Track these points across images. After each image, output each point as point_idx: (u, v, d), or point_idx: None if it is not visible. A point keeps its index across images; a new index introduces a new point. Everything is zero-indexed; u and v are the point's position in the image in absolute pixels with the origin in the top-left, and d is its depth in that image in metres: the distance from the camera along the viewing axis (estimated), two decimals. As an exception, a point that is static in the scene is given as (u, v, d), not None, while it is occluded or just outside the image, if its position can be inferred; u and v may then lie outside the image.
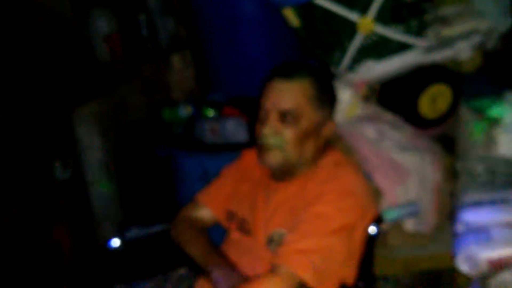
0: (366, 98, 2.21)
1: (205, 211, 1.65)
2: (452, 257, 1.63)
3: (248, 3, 2.38)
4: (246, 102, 2.26)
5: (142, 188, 2.74)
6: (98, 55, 2.99)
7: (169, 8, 3.03)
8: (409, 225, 2.00)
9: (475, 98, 2.05)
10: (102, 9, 2.98)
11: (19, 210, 2.26)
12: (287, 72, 1.43)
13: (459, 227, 1.64)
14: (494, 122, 1.88)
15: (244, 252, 1.47)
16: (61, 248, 2.39)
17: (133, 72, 2.97)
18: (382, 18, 2.08)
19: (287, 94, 1.41)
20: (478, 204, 1.66)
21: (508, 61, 2.15)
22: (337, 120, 1.54)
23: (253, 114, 1.53)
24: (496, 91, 1.99)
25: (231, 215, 1.56)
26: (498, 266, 1.53)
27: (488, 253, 1.52)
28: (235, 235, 1.53)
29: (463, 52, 2.17)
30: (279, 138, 1.40)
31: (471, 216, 1.62)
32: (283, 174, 1.46)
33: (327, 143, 1.49)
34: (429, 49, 2.16)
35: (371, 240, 1.42)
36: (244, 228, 1.50)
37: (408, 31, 2.12)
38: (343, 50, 2.14)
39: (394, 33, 2.10)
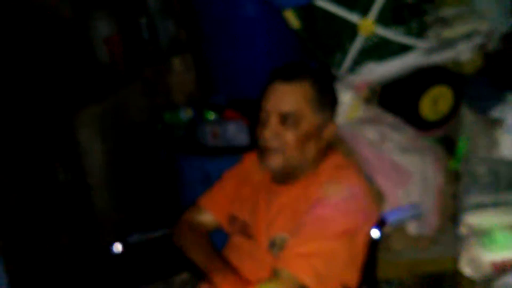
0: (367, 100, 2.20)
1: (207, 215, 1.64)
2: (455, 260, 1.63)
3: (248, 5, 2.38)
4: (247, 105, 2.26)
5: (144, 192, 2.74)
6: (99, 57, 2.99)
7: (169, 11, 3.03)
8: (412, 228, 2.00)
9: (477, 99, 2.04)
10: (102, 12, 2.97)
11: (20, 213, 2.26)
12: (288, 75, 1.42)
13: (462, 230, 1.64)
14: (496, 124, 1.87)
15: (246, 256, 1.47)
16: (62, 252, 2.39)
17: (134, 75, 2.97)
18: (383, 19, 2.07)
19: (288, 97, 1.40)
20: (481, 206, 1.65)
21: (509, 62, 2.15)
22: (338, 122, 1.54)
23: (254, 117, 1.52)
24: (497, 93, 1.98)
25: (233, 219, 1.56)
26: (502, 269, 1.52)
27: (492, 256, 1.51)
28: (237, 239, 1.53)
29: (464, 53, 2.17)
30: (280, 140, 1.40)
31: (474, 219, 1.61)
32: (284, 177, 1.46)
33: (328, 145, 1.48)
34: (430, 51, 2.15)
35: (374, 244, 1.42)
36: (246, 232, 1.49)
37: (409, 32, 2.12)
38: (344, 52, 2.13)
39: (395, 35, 2.10)
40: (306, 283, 1.28)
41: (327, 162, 1.46)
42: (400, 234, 2.00)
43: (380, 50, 2.13)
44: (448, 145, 2.15)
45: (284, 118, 1.39)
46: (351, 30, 2.08)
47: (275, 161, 1.41)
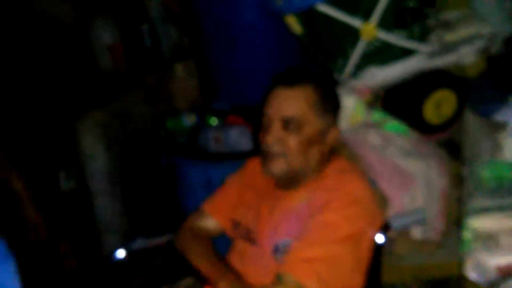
0: (370, 105, 2.20)
1: (210, 220, 1.64)
2: (460, 264, 1.62)
3: (250, 11, 2.39)
4: (249, 111, 2.26)
5: (147, 198, 2.74)
6: (101, 64, 3.00)
7: (171, 18, 3.04)
8: (416, 232, 1.99)
9: (480, 103, 2.04)
10: (105, 19, 2.98)
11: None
12: (290, 80, 1.42)
13: (467, 234, 1.63)
14: (500, 127, 1.87)
15: (249, 261, 1.46)
16: (66, 259, 2.38)
17: (136, 81, 2.97)
18: (385, 24, 2.07)
19: (290, 102, 1.40)
20: (485, 210, 1.64)
21: (512, 65, 2.15)
22: (341, 127, 1.54)
23: (257, 123, 1.52)
24: (501, 96, 1.98)
25: (236, 225, 1.55)
26: (507, 273, 1.51)
27: (497, 260, 1.50)
28: (240, 244, 1.52)
29: (466, 57, 2.17)
30: (283, 146, 1.39)
31: (479, 223, 1.61)
32: (288, 182, 1.45)
33: (332, 150, 1.48)
34: (432, 55, 2.15)
35: (378, 249, 1.41)
36: (249, 238, 1.49)
37: (411, 36, 2.12)
38: (346, 57, 2.13)
39: (397, 39, 2.10)
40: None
41: (331, 167, 1.45)
42: (405, 238, 1.99)
43: (382, 54, 2.12)
44: (452, 149, 2.14)
45: (287, 123, 1.39)
46: (353, 34, 2.08)
47: (278, 166, 1.41)
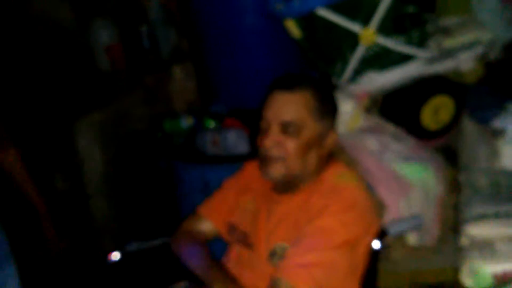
0: (368, 110, 2.20)
1: (206, 224, 1.63)
2: (456, 271, 1.61)
3: (249, 14, 2.38)
4: (247, 114, 2.26)
5: (143, 200, 2.73)
6: (100, 65, 2.99)
7: (170, 19, 3.04)
8: (412, 238, 1.98)
9: (478, 109, 2.04)
10: (103, 20, 2.98)
11: (18, 221, 2.24)
12: (288, 84, 1.42)
13: (463, 241, 1.62)
14: (498, 134, 1.87)
15: (245, 266, 1.46)
16: (60, 261, 2.37)
17: (135, 83, 2.97)
18: (384, 29, 2.07)
19: (289, 106, 1.40)
20: (482, 217, 1.64)
21: (511, 72, 2.15)
22: (339, 132, 1.53)
23: (254, 126, 1.52)
24: (499, 102, 1.98)
25: (232, 228, 1.55)
26: (503, 280, 1.51)
27: (493, 267, 1.50)
28: (236, 248, 1.52)
29: (465, 63, 2.17)
30: (282, 150, 1.39)
31: (475, 230, 1.60)
32: (285, 186, 1.45)
33: (329, 155, 1.48)
34: (431, 60, 2.15)
35: (374, 254, 1.40)
36: (246, 242, 1.48)
37: (410, 42, 2.12)
38: (345, 61, 2.13)
39: (396, 44, 2.10)
40: (305, 293, 1.27)
41: (328, 171, 1.45)
42: (401, 244, 1.99)
43: (381, 59, 2.13)
44: (449, 155, 2.14)
45: (285, 127, 1.39)
46: (352, 39, 2.08)
47: (277, 170, 1.40)
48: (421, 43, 2.14)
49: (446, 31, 2.21)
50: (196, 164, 2.29)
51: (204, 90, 2.75)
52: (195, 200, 1.73)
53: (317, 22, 2.08)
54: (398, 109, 2.20)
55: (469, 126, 2.06)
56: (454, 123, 2.20)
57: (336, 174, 1.44)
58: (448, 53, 2.17)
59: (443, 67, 2.17)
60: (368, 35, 2.06)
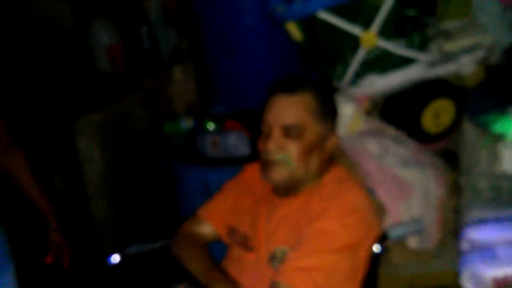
0: (369, 113, 2.20)
1: (206, 226, 1.63)
2: (457, 274, 1.61)
3: (250, 16, 2.38)
4: (248, 116, 2.25)
5: (143, 202, 2.73)
6: (100, 66, 2.99)
7: (171, 21, 3.04)
8: (413, 242, 1.98)
9: (478, 113, 2.04)
10: (104, 21, 2.98)
11: (17, 221, 2.24)
12: (289, 87, 1.42)
13: (464, 245, 1.62)
14: (498, 138, 1.87)
15: (245, 268, 1.45)
16: (60, 263, 2.37)
17: (135, 84, 2.97)
18: (385, 32, 2.07)
19: (290, 109, 1.40)
20: (483, 221, 1.64)
21: (511, 76, 2.15)
22: (340, 135, 1.53)
23: (255, 128, 1.51)
24: (499, 106, 1.98)
25: (232, 231, 1.55)
26: (503, 284, 1.51)
27: (493, 272, 1.50)
28: (236, 251, 1.51)
29: (466, 66, 2.17)
30: (284, 153, 1.39)
31: (476, 234, 1.60)
32: (286, 189, 1.45)
33: (330, 158, 1.47)
34: (432, 64, 2.15)
35: (375, 258, 1.40)
36: (246, 245, 1.48)
37: (411, 45, 2.12)
38: (346, 64, 2.13)
39: (396, 48, 2.10)
40: (305, 297, 1.27)
41: (329, 175, 1.45)
42: (401, 248, 1.98)
43: (382, 62, 2.13)
44: (450, 159, 2.14)
45: (287, 130, 1.39)
46: (353, 42, 2.08)
47: (280, 174, 1.40)
48: (422, 46, 2.14)
49: (447, 35, 2.21)
50: (197, 166, 2.28)
51: (204, 92, 2.75)
52: (195, 202, 1.73)
53: (318, 25, 2.08)
54: (398, 112, 2.20)
55: (469, 129, 2.06)
56: (454, 127, 2.20)
57: (336, 178, 1.44)
58: (448, 57, 2.17)
59: (444, 70, 2.17)
60: (369, 38, 2.06)
